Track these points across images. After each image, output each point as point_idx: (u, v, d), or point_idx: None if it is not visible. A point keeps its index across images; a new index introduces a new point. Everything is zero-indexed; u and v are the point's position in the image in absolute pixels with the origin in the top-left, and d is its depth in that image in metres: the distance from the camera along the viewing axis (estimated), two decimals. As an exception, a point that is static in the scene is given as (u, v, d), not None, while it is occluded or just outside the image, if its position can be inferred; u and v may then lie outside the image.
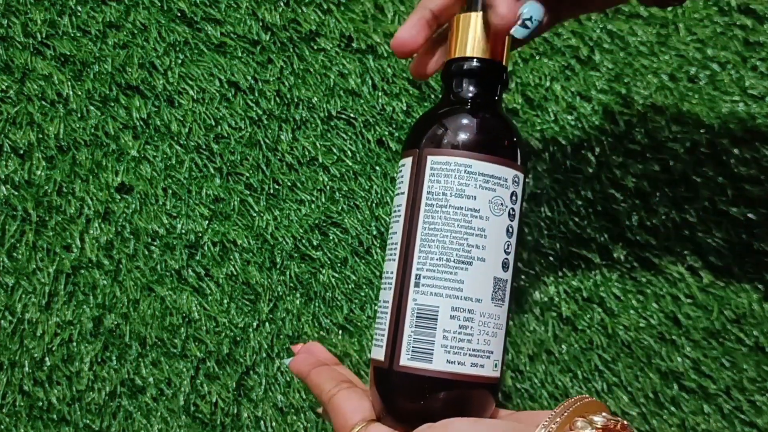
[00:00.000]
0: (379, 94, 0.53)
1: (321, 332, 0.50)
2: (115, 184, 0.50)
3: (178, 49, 0.52)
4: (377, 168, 0.52)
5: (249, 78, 0.52)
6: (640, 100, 0.55)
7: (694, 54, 0.57)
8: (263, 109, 0.52)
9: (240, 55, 0.53)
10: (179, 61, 0.52)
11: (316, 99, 0.53)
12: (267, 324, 0.50)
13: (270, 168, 0.52)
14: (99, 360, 0.48)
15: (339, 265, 0.51)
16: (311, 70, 0.53)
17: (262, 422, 0.49)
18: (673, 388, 0.52)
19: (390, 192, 0.52)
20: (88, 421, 0.47)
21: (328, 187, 0.52)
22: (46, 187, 0.49)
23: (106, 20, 0.51)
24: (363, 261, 0.51)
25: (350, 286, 0.51)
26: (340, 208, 0.52)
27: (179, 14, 0.52)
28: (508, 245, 0.35)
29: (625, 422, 0.29)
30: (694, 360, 0.52)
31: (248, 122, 0.52)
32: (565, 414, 0.29)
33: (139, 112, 0.51)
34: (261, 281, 0.50)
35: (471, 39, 0.36)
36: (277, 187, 0.52)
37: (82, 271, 0.49)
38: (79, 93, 0.51)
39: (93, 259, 0.49)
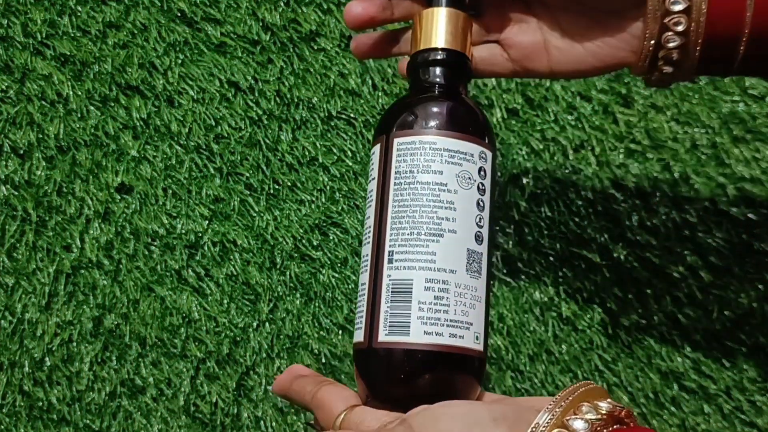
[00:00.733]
0: (379, 94, 0.53)
1: (321, 332, 0.50)
2: (115, 184, 0.50)
3: (178, 49, 0.52)
4: (377, 168, 0.52)
5: (249, 78, 0.52)
6: (641, 100, 0.55)
7: (695, 54, 0.56)
8: (263, 109, 0.52)
9: (240, 55, 0.53)
10: (179, 61, 0.52)
11: (316, 99, 0.53)
12: (267, 324, 0.50)
13: (270, 168, 0.52)
14: (99, 360, 0.48)
15: (339, 265, 0.51)
16: (311, 70, 0.53)
17: (262, 422, 0.49)
18: (674, 389, 0.52)
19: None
20: (88, 422, 0.47)
21: (328, 187, 0.52)
22: (46, 187, 0.49)
23: (106, 20, 0.51)
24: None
25: (350, 286, 0.51)
26: (340, 208, 0.52)
27: (179, 14, 0.52)
28: (480, 218, 0.36)
29: (630, 409, 0.29)
30: (695, 360, 0.52)
31: (248, 122, 0.52)
32: (569, 399, 0.29)
33: (139, 112, 0.51)
34: (261, 281, 0.50)
35: (435, 32, 0.38)
36: (277, 187, 0.51)
37: (82, 271, 0.49)
38: (79, 93, 0.51)
39: (93, 259, 0.49)
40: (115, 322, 0.49)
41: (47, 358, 0.48)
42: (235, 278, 0.50)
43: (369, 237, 0.37)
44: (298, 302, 0.50)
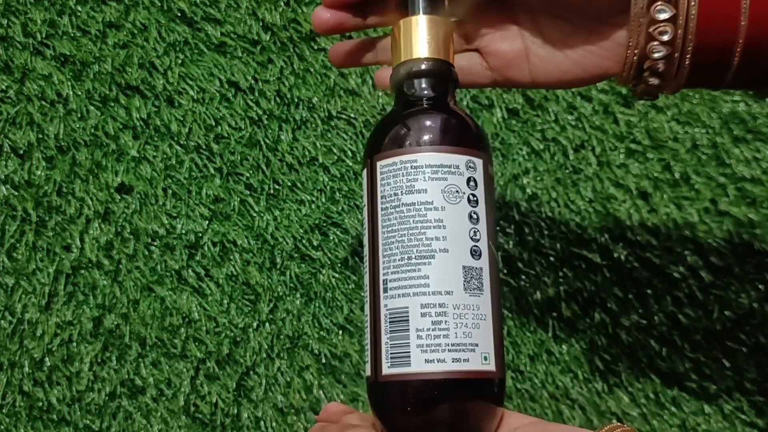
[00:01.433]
0: (379, 94, 0.53)
1: (321, 332, 0.50)
2: (115, 184, 0.50)
3: (178, 49, 0.52)
4: (377, 168, 0.52)
5: (249, 78, 0.52)
6: (635, 99, 0.55)
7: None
8: (263, 109, 0.52)
9: (240, 55, 0.52)
10: (179, 61, 0.52)
11: (316, 99, 0.53)
12: (267, 324, 0.50)
13: (270, 168, 0.52)
14: (99, 360, 0.48)
15: (339, 265, 0.51)
16: (311, 70, 0.53)
17: (262, 423, 0.49)
18: (674, 389, 0.52)
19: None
20: (87, 422, 0.47)
21: (328, 187, 0.52)
22: (46, 187, 0.49)
23: (106, 20, 0.51)
24: (363, 260, 0.51)
25: (350, 287, 0.51)
26: (340, 208, 0.52)
27: (179, 14, 0.52)
28: (475, 232, 0.34)
29: None
30: (695, 361, 0.52)
31: (248, 122, 0.52)
32: None
33: (139, 112, 0.51)
34: (261, 281, 0.50)
35: (414, 42, 0.36)
36: (277, 187, 0.51)
37: (82, 272, 0.49)
38: (79, 93, 0.51)
39: (93, 259, 0.49)
40: (115, 323, 0.49)
41: (47, 359, 0.48)
42: (235, 278, 0.50)
43: (366, 266, 0.35)
44: (298, 302, 0.50)
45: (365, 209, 0.36)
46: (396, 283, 0.33)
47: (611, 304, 0.52)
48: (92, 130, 0.50)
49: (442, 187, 0.34)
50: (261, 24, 0.53)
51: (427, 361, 0.32)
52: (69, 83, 0.50)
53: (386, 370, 0.33)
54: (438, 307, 0.33)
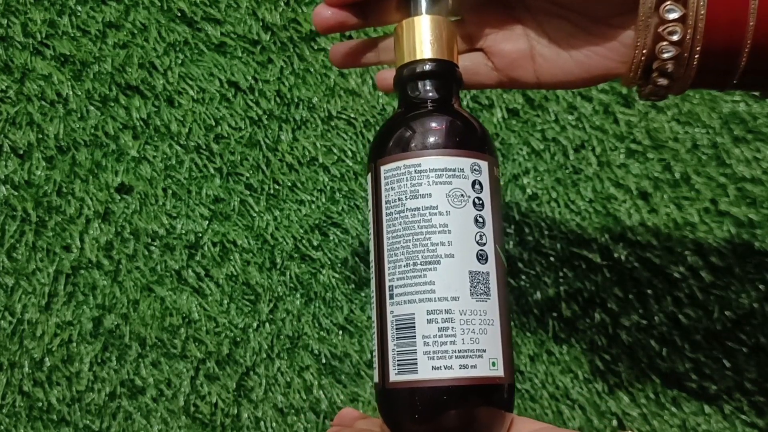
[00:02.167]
0: (380, 94, 0.53)
1: (321, 332, 0.50)
2: (115, 185, 0.50)
3: (178, 49, 0.52)
4: (377, 168, 0.52)
5: (249, 78, 0.52)
6: (641, 100, 0.55)
7: (695, 54, 0.56)
8: (263, 109, 0.52)
9: (240, 55, 0.52)
10: (179, 61, 0.52)
11: (316, 99, 0.53)
12: (267, 324, 0.50)
13: (270, 168, 0.52)
14: (99, 360, 0.48)
15: (339, 265, 0.51)
16: (311, 70, 0.53)
17: (262, 423, 0.49)
18: (674, 389, 0.52)
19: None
20: (87, 422, 0.47)
21: (328, 188, 0.52)
22: (46, 188, 0.49)
23: (105, 20, 0.51)
24: (363, 261, 0.51)
25: (350, 287, 0.51)
26: (340, 208, 0.52)
27: (179, 14, 0.52)
28: (481, 236, 0.33)
29: None
30: (695, 361, 0.52)
31: (248, 122, 0.52)
32: None
33: (139, 112, 0.51)
34: (261, 282, 0.50)
35: (417, 42, 0.36)
36: (277, 187, 0.51)
37: (82, 272, 0.49)
38: (79, 93, 0.50)
39: (93, 259, 0.49)
40: (115, 323, 0.48)
41: (47, 359, 0.48)
42: (235, 278, 0.50)
43: (372, 272, 0.35)
44: (298, 302, 0.50)
45: (370, 214, 0.35)
46: (402, 289, 0.33)
47: (611, 304, 0.52)
48: (92, 130, 0.50)
49: (447, 191, 0.33)
50: (261, 24, 0.53)
51: (434, 368, 0.32)
52: (69, 83, 0.50)
53: (393, 377, 0.33)
54: (444, 313, 0.32)
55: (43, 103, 0.50)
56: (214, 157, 0.51)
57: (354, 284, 0.51)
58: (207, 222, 0.50)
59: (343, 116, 0.53)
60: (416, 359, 0.32)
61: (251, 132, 0.52)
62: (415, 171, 0.34)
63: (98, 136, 0.50)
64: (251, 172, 0.51)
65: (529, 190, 0.53)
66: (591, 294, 0.52)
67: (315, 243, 0.51)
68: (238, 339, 0.49)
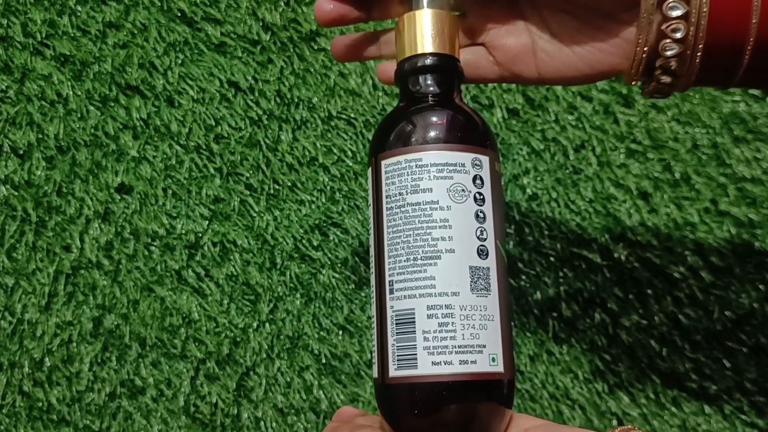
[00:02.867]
0: (380, 94, 0.53)
1: (321, 333, 0.50)
2: (115, 185, 0.50)
3: (178, 49, 0.52)
4: (377, 168, 0.52)
5: (249, 78, 0.52)
6: (641, 100, 0.55)
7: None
8: (263, 109, 0.52)
9: (240, 55, 0.52)
10: (179, 61, 0.52)
11: (316, 99, 0.53)
12: (267, 324, 0.50)
13: (270, 168, 0.52)
14: (99, 361, 0.48)
15: (339, 265, 0.51)
16: (311, 70, 0.53)
17: (262, 423, 0.49)
18: (674, 389, 0.52)
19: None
20: (87, 422, 0.47)
21: (328, 188, 0.52)
22: (46, 188, 0.49)
23: (106, 20, 0.51)
24: (363, 261, 0.51)
25: (350, 287, 0.51)
26: (340, 208, 0.52)
27: (179, 14, 0.52)
28: (482, 231, 0.33)
29: None
30: (695, 361, 0.52)
31: (248, 122, 0.52)
32: None
33: (139, 112, 0.51)
34: (261, 282, 0.50)
35: (419, 36, 0.35)
36: (277, 187, 0.51)
37: (82, 272, 0.49)
38: (79, 93, 0.50)
39: (93, 259, 0.49)
40: (115, 323, 0.48)
41: (47, 359, 0.48)
42: (235, 279, 0.50)
43: (372, 267, 0.35)
44: (298, 303, 0.50)
45: (371, 209, 0.35)
46: (402, 284, 0.33)
47: (611, 304, 0.52)
48: (92, 130, 0.50)
49: (448, 186, 0.33)
50: (261, 24, 0.53)
51: (434, 363, 0.32)
52: (69, 83, 0.50)
53: (393, 372, 0.33)
54: (444, 309, 0.32)
55: (43, 103, 0.50)
56: (214, 157, 0.51)
57: (354, 284, 0.51)
58: (207, 222, 0.50)
59: (343, 116, 0.53)
60: (416, 354, 0.32)
61: (251, 132, 0.52)
62: (416, 165, 0.34)
63: (98, 136, 0.50)
64: (251, 172, 0.51)
65: (529, 190, 0.53)
66: (591, 294, 0.52)
67: (315, 243, 0.51)
68: (238, 339, 0.49)
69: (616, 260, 0.52)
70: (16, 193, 0.49)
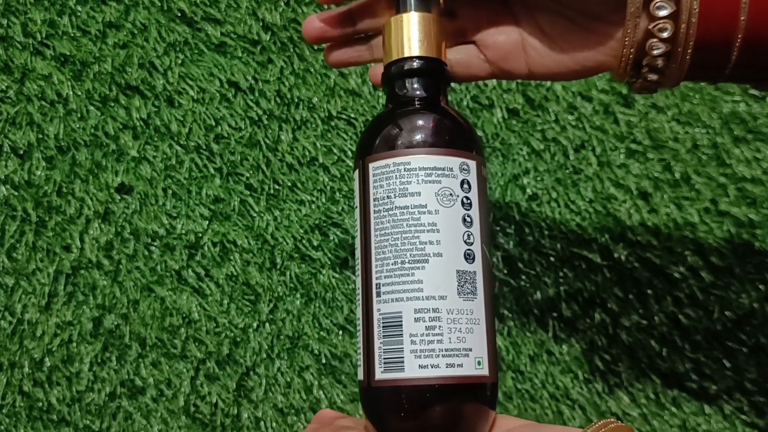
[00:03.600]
0: (380, 94, 0.53)
1: (321, 332, 0.50)
2: (115, 185, 0.50)
3: (178, 49, 0.52)
4: (377, 168, 0.52)
5: (249, 78, 0.52)
6: (641, 100, 0.55)
7: (696, 54, 0.56)
8: (263, 109, 0.52)
9: (240, 55, 0.52)
10: (179, 61, 0.52)
11: (316, 99, 0.53)
12: (267, 324, 0.50)
13: (270, 168, 0.52)
14: (99, 361, 0.48)
15: (339, 265, 0.51)
16: (312, 70, 0.53)
17: (262, 423, 0.49)
18: (674, 389, 0.52)
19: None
20: (87, 422, 0.47)
21: (328, 188, 0.52)
22: (46, 188, 0.49)
23: (106, 20, 0.51)
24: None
25: (350, 287, 0.51)
26: (340, 208, 0.52)
27: (179, 14, 0.52)
28: (469, 235, 0.34)
29: None
30: (695, 361, 0.52)
31: (248, 122, 0.52)
32: None
33: (139, 112, 0.51)
34: (261, 282, 0.50)
35: (405, 39, 0.35)
36: (277, 187, 0.51)
37: (82, 272, 0.49)
38: (79, 93, 0.50)
39: (93, 259, 0.49)
40: (115, 323, 0.48)
41: (47, 359, 0.48)
42: (235, 279, 0.50)
43: (359, 270, 0.35)
44: (298, 303, 0.50)
45: (357, 212, 0.35)
46: (389, 287, 0.33)
47: (611, 304, 0.52)
48: (92, 130, 0.50)
49: (436, 190, 0.33)
50: (261, 24, 0.53)
51: (421, 366, 0.32)
52: (69, 83, 0.50)
53: (379, 375, 0.33)
54: (432, 312, 0.32)
55: (43, 103, 0.50)
56: (214, 157, 0.51)
57: (354, 284, 0.51)
58: (207, 222, 0.50)
59: (343, 116, 0.53)
60: (403, 357, 0.32)
61: (251, 132, 0.52)
62: (405, 169, 0.34)
63: (98, 136, 0.50)
64: (251, 172, 0.51)
65: (529, 190, 0.53)
66: (591, 294, 0.52)
67: (315, 243, 0.51)
68: (238, 339, 0.49)
69: (616, 260, 0.52)
70: (16, 193, 0.49)
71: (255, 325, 0.50)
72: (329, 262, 0.51)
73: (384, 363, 0.33)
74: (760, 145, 0.55)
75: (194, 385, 0.49)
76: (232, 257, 0.50)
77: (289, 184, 0.52)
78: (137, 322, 0.49)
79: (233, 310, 0.50)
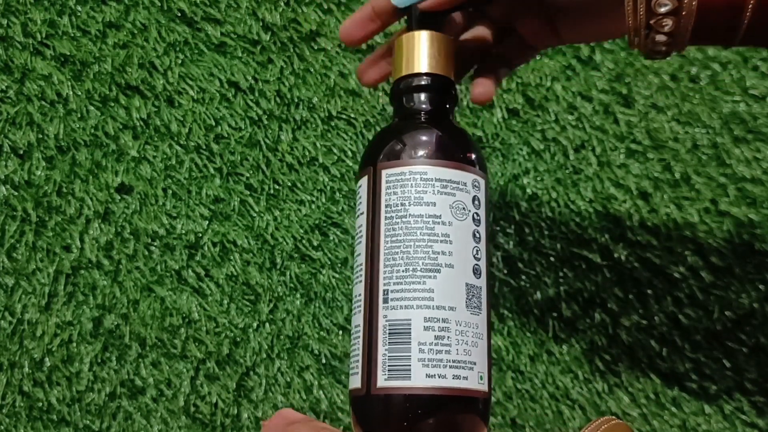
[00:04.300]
0: (380, 94, 0.53)
1: (321, 333, 0.50)
2: (115, 185, 0.50)
3: (178, 49, 0.52)
4: (377, 168, 0.52)
5: (249, 78, 0.52)
6: (642, 100, 0.55)
7: (695, 54, 0.56)
8: (263, 109, 0.52)
9: (240, 55, 0.52)
10: (179, 61, 0.52)
11: (316, 99, 0.53)
12: (267, 325, 0.50)
13: (270, 168, 0.52)
14: (99, 361, 0.48)
15: (339, 265, 0.51)
16: (311, 70, 0.53)
17: (262, 423, 0.49)
18: (674, 389, 0.52)
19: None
20: (87, 422, 0.47)
21: (328, 188, 0.52)
22: (46, 188, 0.49)
23: (106, 20, 0.51)
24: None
25: (351, 287, 0.51)
26: (340, 208, 0.52)
27: (179, 14, 0.52)
28: (477, 251, 0.34)
29: None
30: (695, 361, 0.52)
31: (248, 122, 0.52)
32: None
33: (139, 112, 0.51)
34: (261, 282, 0.50)
35: (416, 56, 0.36)
36: (277, 187, 0.51)
37: (82, 272, 0.49)
38: (79, 93, 0.50)
39: (93, 259, 0.49)
40: (115, 323, 0.48)
41: (47, 359, 0.48)
42: (235, 279, 0.50)
43: (361, 275, 0.35)
44: (298, 303, 0.50)
45: (363, 217, 0.35)
46: (398, 294, 0.33)
47: (611, 304, 0.52)
48: (92, 130, 0.50)
49: (450, 202, 0.34)
50: (261, 24, 0.53)
51: (428, 375, 0.32)
52: (69, 83, 0.50)
53: (382, 382, 0.32)
54: (441, 322, 0.32)
55: (43, 103, 0.50)
56: (214, 157, 0.51)
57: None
58: (207, 222, 0.50)
59: (343, 116, 0.53)
60: (410, 365, 0.32)
61: (251, 132, 0.52)
62: (421, 179, 0.34)
63: (98, 136, 0.50)
64: (251, 172, 0.51)
65: (529, 190, 0.53)
66: (591, 294, 0.52)
67: (315, 243, 0.51)
68: (238, 339, 0.49)
69: (616, 260, 0.52)
70: (16, 193, 0.49)
71: (255, 325, 0.50)
72: (329, 262, 0.51)
73: (389, 370, 0.32)
74: (760, 145, 0.55)
75: (194, 385, 0.49)
76: (232, 257, 0.50)
77: (289, 184, 0.52)
78: (137, 322, 0.49)
79: (233, 310, 0.50)
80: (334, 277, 0.51)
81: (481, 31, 0.41)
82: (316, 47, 0.53)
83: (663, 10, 0.31)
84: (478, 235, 0.34)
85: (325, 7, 0.54)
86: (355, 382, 0.33)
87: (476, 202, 0.35)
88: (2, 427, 0.47)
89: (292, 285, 0.50)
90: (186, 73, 0.52)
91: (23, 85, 0.50)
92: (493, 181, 0.53)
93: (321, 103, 0.53)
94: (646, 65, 0.56)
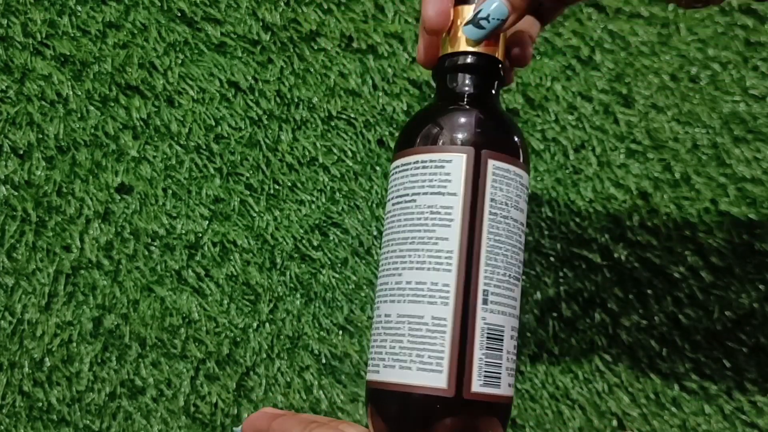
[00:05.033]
0: (380, 94, 0.53)
1: (321, 333, 0.50)
2: (115, 185, 0.50)
3: (178, 49, 0.52)
4: (378, 168, 0.52)
5: (249, 78, 0.52)
6: (642, 100, 0.55)
7: (696, 54, 0.56)
8: (263, 109, 0.52)
9: (240, 55, 0.52)
10: (179, 61, 0.52)
11: (316, 99, 0.53)
12: (267, 325, 0.50)
13: (270, 168, 0.52)
14: (99, 361, 0.48)
15: (339, 265, 0.51)
16: (311, 70, 0.53)
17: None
18: (674, 389, 0.52)
19: (390, 192, 0.52)
20: (87, 422, 0.47)
21: (328, 188, 0.52)
22: (46, 188, 0.49)
23: (105, 20, 0.51)
24: (363, 261, 0.51)
25: (350, 287, 0.51)
26: (340, 208, 0.52)
27: (179, 14, 0.52)
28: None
29: None
30: (695, 361, 0.52)
31: (248, 122, 0.52)
32: None
33: (139, 112, 0.51)
34: (261, 282, 0.50)
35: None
36: (277, 187, 0.51)
37: (82, 272, 0.49)
38: (79, 93, 0.50)
39: (93, 259, 0.49)
40: (115, 323, 0.48)
41: (47, 359, 0.48)
42: (235, 279, 0.50)
43: (447, 264, 0.31)
44: (298, 303, 0.50)
45: (454, 199, 0.32)
46: (497, 298, 0.32)
47: (611, 304, 0.52)
48: (92, 130, 0.50)
49: (527, 211, 0.34)
50: (261, 24, 0.53)
51: (510, 385, 0.32)
52: (69, 83, 0.50)
53: (477, 387, 0.31)
54: (516, 332, 0.32)
55: (43, 103, 0.50)
56: (214, 157, 0.51)
57: (354, 284, 0.51)
58: (207, 222, 0.50)
59: (343, 116, 0.53)
60: (500, 374, 0.31)
61: (251, 132, 0.52)
62: (520, 183, 0.33)
63: (98, 136, 0.50)
64: (251, 172, 0.51)
65: (529, 190, 0.53)
66: (591, 294, 0.52)
67: (315, 243, 0.51)
68: (238, 339, 0.49)
69: (616, 260, 0.52)
70: (16, 193, 0.49)
71: (255, 325, 0.50)
72: (329, 262, 0.51)
73: (485, 376, 0.31)
74: (760, 145, 0.55)
75: (194, 385, 0.49)
76: (232, 257, 0.50)
77: (289, 184, 0.52)
78: (137, 322, 0.49)
79: (233, 310, 0.50)
80: (334, 277, 0.51)
81: None
82: (316, 47, 0.53)
83: None
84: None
85: (325, 7, 0.54)
86: (433, 380, 0.31)
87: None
88: (2, 427, 0.47)
89: (292, 285, 0.50)
90: (186, 73, 0.52)
91: (23, 85, 0.50)
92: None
93: (321, 103, 0.53)
94: (645, 65, 0.56)
